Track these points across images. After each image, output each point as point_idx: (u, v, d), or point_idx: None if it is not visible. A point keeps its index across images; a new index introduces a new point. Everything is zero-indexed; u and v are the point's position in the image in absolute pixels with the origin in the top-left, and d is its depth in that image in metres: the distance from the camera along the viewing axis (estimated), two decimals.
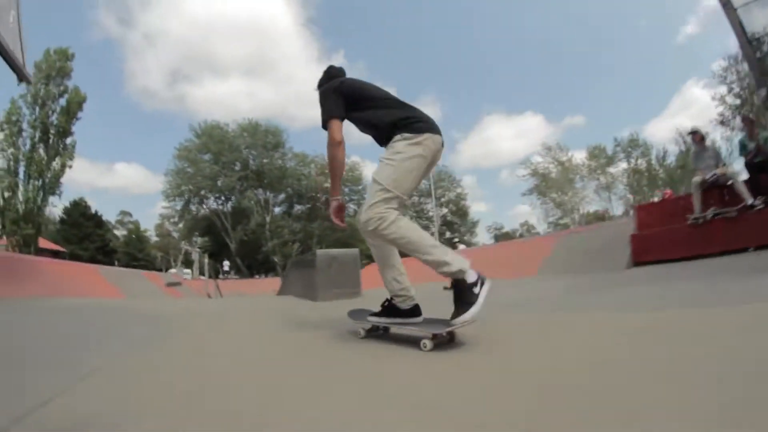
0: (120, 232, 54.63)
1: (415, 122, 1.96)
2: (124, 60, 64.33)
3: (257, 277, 42.89)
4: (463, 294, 1.83)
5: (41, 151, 25.81)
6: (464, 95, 73.52)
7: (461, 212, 48.49)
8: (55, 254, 34.65)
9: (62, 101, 25.85)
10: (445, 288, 2.33)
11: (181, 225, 43.39)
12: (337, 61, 56.71)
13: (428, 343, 1.79)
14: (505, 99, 72.38)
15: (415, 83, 68.86)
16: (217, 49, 63.55)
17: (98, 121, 65.42)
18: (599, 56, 64.89)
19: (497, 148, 70.11)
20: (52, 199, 26.67)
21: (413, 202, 43.02)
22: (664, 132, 76.00)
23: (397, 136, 1.94)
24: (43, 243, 35.92)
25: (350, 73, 2.34)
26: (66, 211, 45.83)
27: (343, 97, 2.08)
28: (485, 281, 1.87)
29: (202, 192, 40.25)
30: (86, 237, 45.61)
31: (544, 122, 70.53)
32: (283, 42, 66.44)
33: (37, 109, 25.42)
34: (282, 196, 42.54)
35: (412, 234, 1.87)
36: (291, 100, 63.34)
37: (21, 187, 25.34)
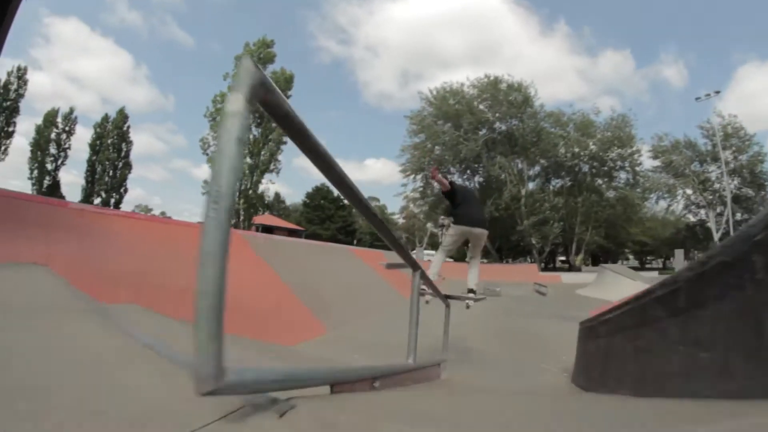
0: None
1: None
2: (355, 73, 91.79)
3: (507, 262, 43.88)
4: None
5: (254, 131, 31.70)
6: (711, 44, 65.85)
7: (757, 182, 40.81)
8: (291, 231, 41.38)
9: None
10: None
11: (424, 205, 46.23)
12: (560, 31, 53.99)
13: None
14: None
15: (650, 40, 65.68)
16: (439, 45, 77.25)
17: (347, 126, 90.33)
18: None
19: (761, 107, 61.19)
20: (268, 176, 33.36)
21: (694, 171, 41.02)
22: None
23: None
24: (281, 222, 43.65)
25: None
26: (308, 195, 59.31)
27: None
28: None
29: (444, 166, 41.37)
30: (328, 218, 56.51)
31: None
32: (499, 24, 74.57)
33: None
34: (537, 168, 42.93)
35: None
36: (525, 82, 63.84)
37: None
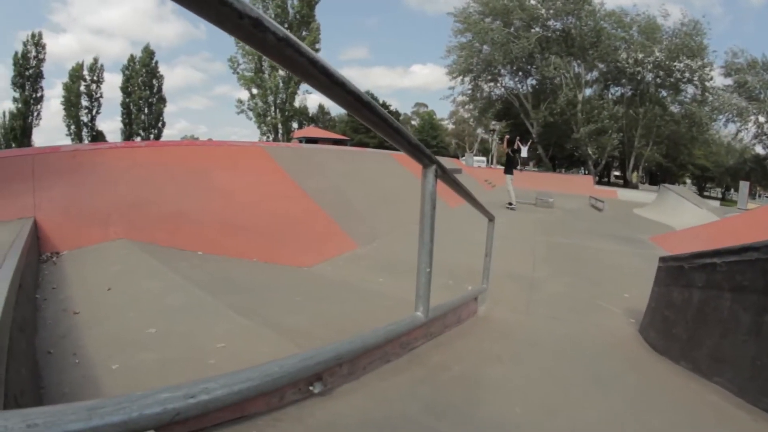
0: (415, 122, 66.84)
1: None
2: None
3: (561, 172, 43.05)
4: None
5: None
6: None
7: None
8: (335, 142, 43.09)
9: None
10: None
11: (473, 108, 45.44)
12: None
13: None
14: None
15: None
16: None
17: (388, 33, 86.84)
18: None
19: None
20: (303, 87, 32.43)
21: None
22: None
23: None
24: (324, 133, 45.94)
25: None
26: None
27: None
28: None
29: (494, 67, 40.30)
30: None
31: None
32: None
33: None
34: (596, 74, 40.45)
35: None
36: None
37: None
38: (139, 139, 41.63)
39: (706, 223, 10.89)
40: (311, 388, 1.49)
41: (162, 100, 45.00)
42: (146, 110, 44.33)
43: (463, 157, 37.99)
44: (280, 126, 31.47)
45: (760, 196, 44.65)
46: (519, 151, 18.49)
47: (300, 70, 1.09)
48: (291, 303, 3.44)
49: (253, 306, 3.02)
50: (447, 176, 2.47)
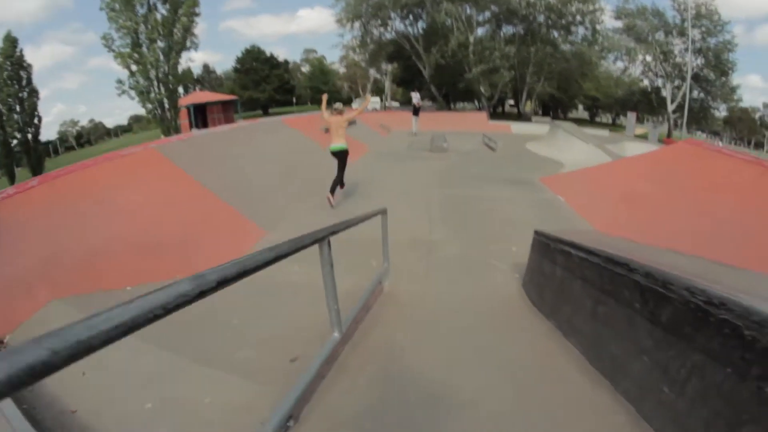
0: (305, 69, 66.33)
1: None
2: None
3: (455, 107, 44.32)
4: None
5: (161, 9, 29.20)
6: None
7: (722, 68, 43.05)
8: (224, 104, 42.39)
9: None
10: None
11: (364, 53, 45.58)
12: None
13: None
14: None
15: None
16: None
17: None
18: None
19: None
20: (186, 55, 31.18)
21: (657, 41, 42.25)
22: None
23: None
24: (212, 96, 44.02)
25: None
26: (238, 60, 58.73)
27: None
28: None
29: (383, 12, 40.49)
30: (263, 80, 56.86)
31: None
32: None
33: None
34: (488, 14, 41.63)
35: None
36: None
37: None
38: (15, 142, 36.00)
39: (589, 166, 11.92)
40: (288, 424, 2.11)
41: (34, 93, 38.48)
42: (18, 108, 38.12)
43: (355, 101, 38.28)
44: (166, 101, 29.21)
45: (647, 120, 50.30)
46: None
47: None
48: (232, 331, 3.65)
49: (204, 346, 3.29)
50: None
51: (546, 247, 4.15)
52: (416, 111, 22.25)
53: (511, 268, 5.42)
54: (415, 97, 22.53)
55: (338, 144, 8.48)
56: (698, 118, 46.69)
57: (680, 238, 5.97)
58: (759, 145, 70.75)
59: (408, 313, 4.13)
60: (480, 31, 41.80)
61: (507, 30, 42.88)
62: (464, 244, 6.51)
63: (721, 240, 5.63)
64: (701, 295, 1.94)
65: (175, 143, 8.10)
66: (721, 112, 50.76)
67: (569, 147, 16.18)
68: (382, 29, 43.20)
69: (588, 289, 3.14)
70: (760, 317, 1.63)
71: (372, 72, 42.58)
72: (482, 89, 40.21)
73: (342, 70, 57.45)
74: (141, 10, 27.70)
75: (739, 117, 66.48)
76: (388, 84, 41.70)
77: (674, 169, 8.54)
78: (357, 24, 41.54)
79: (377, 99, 46.32)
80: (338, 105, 9.11)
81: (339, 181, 8.71)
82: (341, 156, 8.59)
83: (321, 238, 2.51)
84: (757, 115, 69.18)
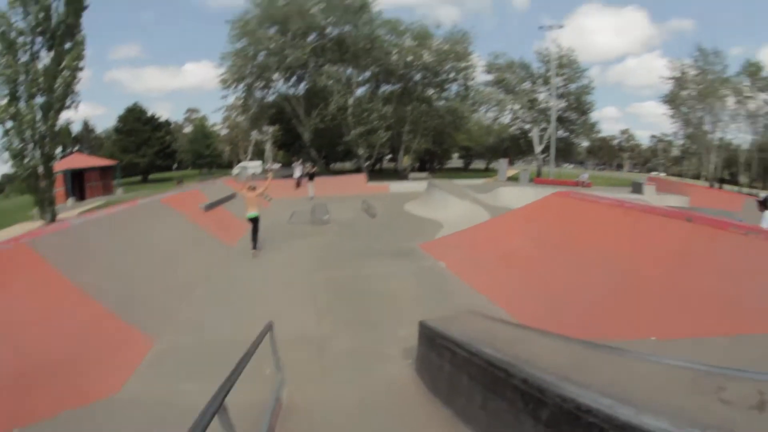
0: (188, 129, 66.53)
1: None
2: None
3: (333, 166, 45.62)
4: None
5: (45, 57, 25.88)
6: None
7: (582, 108, 52.63)
8: (103, 170, 41.76)
9: None
10: None
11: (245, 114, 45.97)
12: None
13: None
14: None
15: None
16: None
17: (166, 28, 76.07)
18: None
19: (591, 42, 75.36)
20: (66, 114, 27.49)
21: (524, 90, 50.18)
22: None
23: None
24: (90, 160, 42.82)
25: None
26: (120, 118, 57.36)
27: None
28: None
29: (268, 74, 40.83)
30: (144, 143, 55.70)
31: (648, 21, 76.39)
32: None
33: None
34: (368, 74, 43.44)
35: None
36: None
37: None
38: None
39: (467, 222, 12.61)
40: None
41: None
42: None
43: (236, 167, 38.31)
44: (41, 168, 25.92)
45: (520, 161, 57.91)
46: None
47: None
48: None
49: None
50: None
51: (432, 340, 4.39)
52: (311, 177, 24.81)
53: (403, 353, 5.57)
54: (298, 169, 25.48)
55: (253, 213, 11.71)
56: (564, 153, 55.92)
57: (554, 293, 6.65)
58: (620, 166, 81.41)
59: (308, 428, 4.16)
60: (360, 90, 43.45)
61: (386, 89, 45.27)
62: (353, 334, 6.56)
63: (592, 289, 6.31)
64: (571, 402, 2.34)
65: (51, 236, 7.26)
66: (584, 144, 62.53)
67: (446, 205, 17.24)
68: (265, 91, 43.66)
69: (476, 385, 3.44)
70: (620, 422, 2.03)
71: (254, 134, 42.59)
72: (360, 151, 41.56)
73: (224, 131, 57.87)
74: (23, 57, 24.44)
75: (599, 146, 78.43)
76: (269, 146, 41.97)
77: (545, 222, 9.12)
78: (241, 86, 41.63)
79: (258, 162, 46.62)
80: (252, 184, 12.46)
81: (255, 239, 11.79)
82: (255, 221, 11.74)
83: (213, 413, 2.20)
84: (615, 142, 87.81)
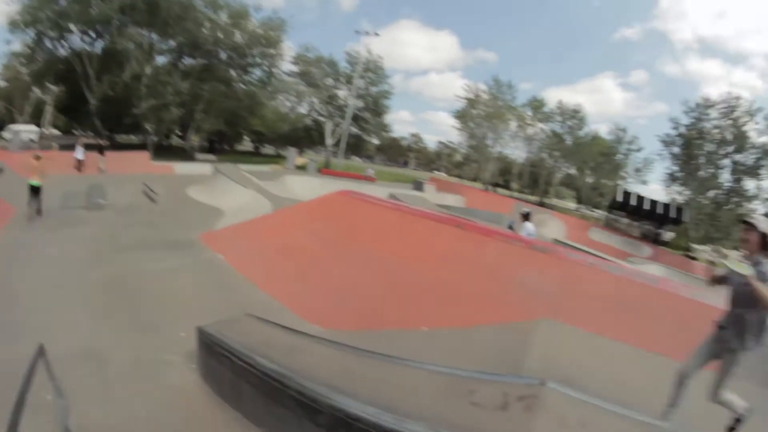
0: None
1: None
2: None
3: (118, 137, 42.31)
4: None
5: None
6: None
7: (378, 110, 59.82)
8: None
9: None
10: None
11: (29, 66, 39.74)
12: None
13: None
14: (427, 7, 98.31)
15: None
16: None
17: None
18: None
19: (402, 53, 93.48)
20: None
21: (326, 85, 53.86)
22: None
23: None
24: None
25: None
26: None
27: None
28: None
29: (65, 22, 35.84)
30: None
31: (458, 46, 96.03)
32: None
33: None
34: (172, 43, 41.66)
35: None
36: None
37: None
38: None
39: (250, 211, 13.05)
40: None
41: None
42: None
43: (8, 130, 33.08)
44: None
45: (308, 151, 60.40)
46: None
47: None
48: None
49: None
50: None
51: (210, 348, 4.45)
52: (102, 150, 24.34)
53: (186, 358, 5.31)
54: (80, 151, 23.04)
55: (36, 181, 12.11)
56: (355, 148, 63.17)
57: (336, 287, 7.15)
58: (406, 164, 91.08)
59: None
60: (160, 59, 41.41)
61: (188, 63, 42.97)
62: (134, 341, 5.98)
63: (372, 284, 6.95)
64: (341, 411, 2.76)
65: None
66: (374, 141, 69.70)
67: (230, 193, 17.58)
68: (57, 43, 38.49)
69: (258, 392, 3.66)
70: (384, 429, 2.47)
71: (34, 92, 36.32)
72: (148, 127, 39.48)
73: (1, 83, 47.73)
74: None
75: (389, 144, 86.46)
76: (50, 109, 36.03)
77: (328, 219, 9.47)
78: (32, 31, 36.09)
79: (34, 128, 40.08)
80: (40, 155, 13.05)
81: (39, 206, 12.29)
82: (37, 190, 12.18)
83: None
84: (404, 142, 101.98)
